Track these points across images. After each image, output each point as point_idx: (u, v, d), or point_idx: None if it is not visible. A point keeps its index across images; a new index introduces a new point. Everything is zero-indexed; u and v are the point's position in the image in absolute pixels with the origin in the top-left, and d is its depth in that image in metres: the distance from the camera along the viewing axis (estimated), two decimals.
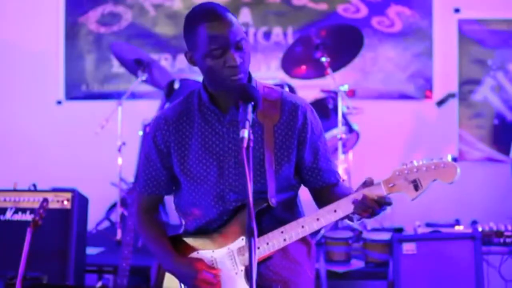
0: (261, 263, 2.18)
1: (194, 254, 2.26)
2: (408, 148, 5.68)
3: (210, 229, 2.27)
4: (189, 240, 2.30)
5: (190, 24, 2.18)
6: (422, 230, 4.37)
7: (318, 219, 2.13)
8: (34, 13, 5.92)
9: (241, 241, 2.19)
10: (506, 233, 4.16)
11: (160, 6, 5.86)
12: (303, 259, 2.32)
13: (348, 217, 2.14)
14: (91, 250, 4.43)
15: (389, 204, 2.06)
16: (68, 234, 3.82)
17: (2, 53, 5.94)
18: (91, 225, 4.62)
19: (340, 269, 4.08)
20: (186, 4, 5.83)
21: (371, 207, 2.04)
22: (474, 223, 4.72)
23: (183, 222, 2.39)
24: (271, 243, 2.17)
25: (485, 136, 5.61)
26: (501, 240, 4.16)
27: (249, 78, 2.25)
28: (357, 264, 4.21)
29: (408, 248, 3.71)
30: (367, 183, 2.08)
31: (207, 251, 2.25)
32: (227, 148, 2.23)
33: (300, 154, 2.25)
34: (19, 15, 5.93)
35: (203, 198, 2.25)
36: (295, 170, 2.27)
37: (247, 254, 2.14)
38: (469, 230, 4.17)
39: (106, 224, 5.34)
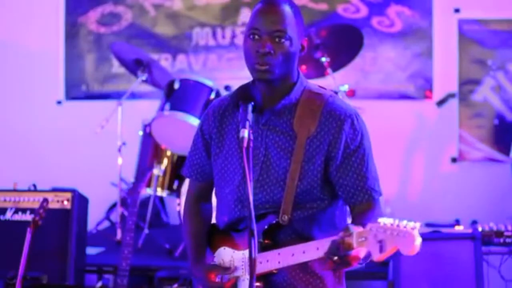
0: (277, 273, 2.11)
1: (222, 249, 2.22)
2: (408, 148, 5.68)
3: (236, 228, 2.21)
4: (220, 234, 2.26)
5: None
6: (422, 230, 4.36)
7: (304, 252, 2.00)
8: (34, 13, 5.92)
9: None
10: (506, 233, 4.15)
11: (160, 6, 5.86)
12: (324, 272, 2.18)
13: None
14: (91, 250, 4.43)
15: (359, 262, 1.91)
16: (68, 234, 3.82)
17: (2, 53, 5.94)
18: (91, 225, 4.62)
19: None
20: (186, 4, 5.84)
21: (337, 255, 1.89)
22: (474, 223, 4.72)
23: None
24: (270, 260, 2.07)
25: (485, 136, 5.61)
26: (501, 240, 4.14)
27: (297, 78, 2.16)
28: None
29: None
30: (345, 229, 1.90)
31: (230, 250, 2.20)
32: (257, 151, 2.13)
33: (328, 169, 2.11)
34: (19, 15, 5.93)
35: (227, 198, 2.21)
36: (326, 184, 2.14)
37: (259, 265, 2.05)
38: (469, 230, 4.16)
39: (106, 224, 5.34)
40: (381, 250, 1.79)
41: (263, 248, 2.09)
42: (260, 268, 2.05)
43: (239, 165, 2.16)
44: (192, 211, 2.37)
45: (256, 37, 2.07)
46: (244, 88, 2.17)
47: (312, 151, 2.10)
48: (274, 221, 2.11)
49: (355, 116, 2.12)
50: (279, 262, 2.05)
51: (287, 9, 2.09)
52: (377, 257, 1.81)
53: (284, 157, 2.11)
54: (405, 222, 1.79)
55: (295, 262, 2.03)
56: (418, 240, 1.77)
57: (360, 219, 2.05)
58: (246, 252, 2.09)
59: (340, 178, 2.12)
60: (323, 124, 2.10)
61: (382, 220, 1.80)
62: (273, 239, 2.12)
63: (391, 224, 1.79)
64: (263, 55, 2.05)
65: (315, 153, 2.10)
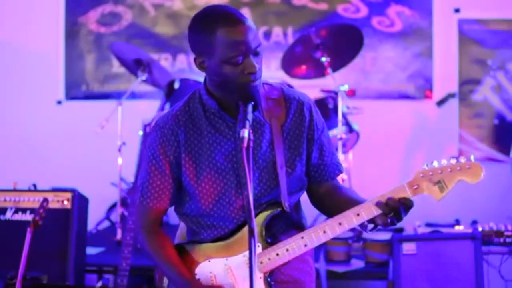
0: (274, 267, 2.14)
1: (205, 263, 2.17)
2: (408, 148, 5.68)
3: (226, 237, 2.19)
4: (201, 248, 2.20)
5: (204, 28, 2.04)
6: (422, 230, 4.37)
7: (340, 223, 2.06)
8: (34, 13, 5.92)
9: (257, 248, 2.11)
10: (506, 233, 4.15)
11: (160, 6, 5.86)
12: (307, 256, 2.25)
13: (362, 224, 2.07)
14: (91, 250, 4.43)
15: (412, 206, 2.02)
16: (68, 234, 3.82)
17: (2, 53, 5.94)
18: (91, 225, 4.62)
19: (340, 269, 4.08)
20: (186, 4, 5.84)
21: (396, 209, 1.99)
22: (474, 223, 4.72)
23: (194, 229, 2.24)
24: (291, 249, 2.10)
25: (485, 136, 5.61)
26: (501, 240, 4.15)
27: None
28: (357, 264, 4.21)
29: (408, 248, 3.71)
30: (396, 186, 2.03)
31: (220, 259, 2.16)
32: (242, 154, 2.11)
33: (308, 152, 2.19)
34: (19, 15, 5.93)
35: (222, 210, 2.16)
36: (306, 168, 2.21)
37: (265, 261, 2.11)
38: (469, 230, 4.16)
39: (106, 224, 5.34)
40: (442, 189, 2.02)
41: (266, 242, 2.13)
42: (282, 258, 2.11)
43: (227, 174, 2.14)
44: (156, 239, 2.23)
45: (238, 60, 2.02)
46: (193, 100, 2.18)
47: (291, 138, 2.17)
48: (278, 210, 2.14)
49: (310, 99, 2.25)
50: (305, 245, 2.10)
51: (249, 20, 2.08)
52: (439, 197, 2.03)
53: (268, 150, 2.14)
54: (452, 160, 2.00)
55: (342, 230, 2.08)
56: (484, 169, 1.98)
57: (333, 191, 2.20)
58: (248, 252, 2.05)
59: (319, 159, 2.21)
60: (293, 111, 2.18)
61: (428, 165, 1.99)
62: (270, 231, 2.15)
63: (445, 165, 1.99)
64: (255, 74, 2.04)
65: (294, 139, 2.17)
